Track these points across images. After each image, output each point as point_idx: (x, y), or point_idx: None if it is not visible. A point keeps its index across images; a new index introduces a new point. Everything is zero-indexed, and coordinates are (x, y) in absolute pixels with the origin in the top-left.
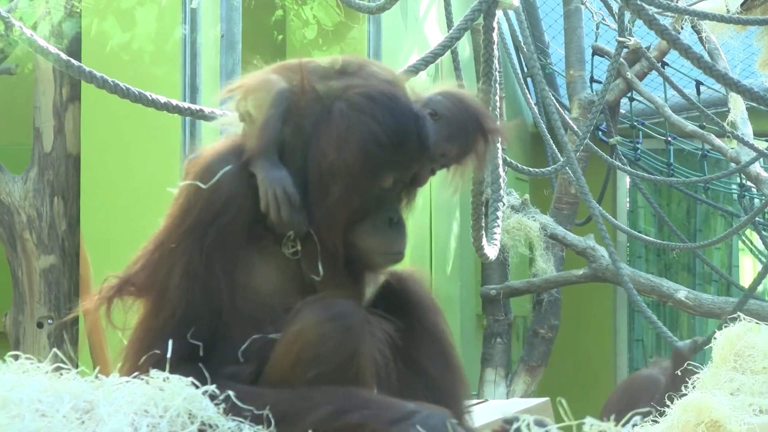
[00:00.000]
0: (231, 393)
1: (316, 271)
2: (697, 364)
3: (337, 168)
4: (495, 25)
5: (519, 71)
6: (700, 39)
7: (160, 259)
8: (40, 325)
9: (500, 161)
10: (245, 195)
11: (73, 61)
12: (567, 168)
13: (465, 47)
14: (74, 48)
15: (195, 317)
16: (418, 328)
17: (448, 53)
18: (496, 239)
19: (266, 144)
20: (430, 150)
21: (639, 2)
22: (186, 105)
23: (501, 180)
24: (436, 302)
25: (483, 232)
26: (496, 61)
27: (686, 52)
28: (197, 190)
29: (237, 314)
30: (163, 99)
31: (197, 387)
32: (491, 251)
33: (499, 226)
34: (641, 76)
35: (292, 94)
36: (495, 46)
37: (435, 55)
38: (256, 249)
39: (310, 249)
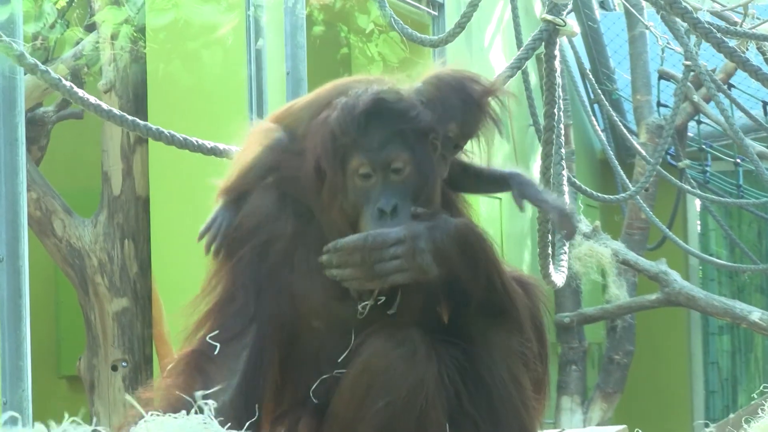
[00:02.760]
0: None
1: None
2: None
3: (315, 174)
4: (556, 53)
5: (585, 98)
6: (766, 60)
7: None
8: (114, 368)
9: (565, 188)
10: (277, 219)
11: (138, 120)
12: (637, 195)
13: (532, 75)
14: (140, 92)
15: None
16: (488, 351)
17: (518, 80)
18: (563, 266)
19: (236, 187)
20: (408, 124)
21: (708, 26)
22: None
23: None
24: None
25: (550, 259)
26: (559, 89)
27: (756, 74)
28: None
29: (297, 353)
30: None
31: None
32: (558, 278)
33: (566, 252)
34: (707, 99)
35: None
36: (557, 74)
37: None
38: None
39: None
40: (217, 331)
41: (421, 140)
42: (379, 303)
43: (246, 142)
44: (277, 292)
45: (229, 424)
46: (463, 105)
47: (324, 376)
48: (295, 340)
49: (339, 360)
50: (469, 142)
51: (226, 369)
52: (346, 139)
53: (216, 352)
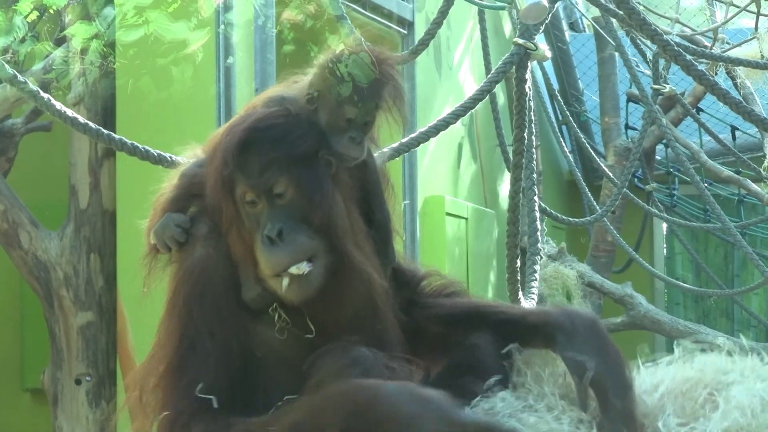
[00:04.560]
0: None
1: (309, 329)
2: None
3: (213, 203)
4: (527, 76)
5: (553, 119)
6: (735, 85)
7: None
8: (78, 382)
9: (537, 213)
10: (211, 257)
11: (102, 129)
12: (604, 218)
13: (500, 95)
14: (109, 106)
15: (199, 373)
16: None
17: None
18: (533, 293)
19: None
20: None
21: (677, 48)
22: None
23: (538, 233)
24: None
25: (519, 285)
26: (530, 113)
27: (724, 97)
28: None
29: (255, 382)
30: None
31: None
32: (528, 305)
33: (536, 279)
34: (676, 122)
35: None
36: (527, 98)
37: (466, 108)
38: (253, 319)
39: (294, 312)
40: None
41: (306, 161)
42: (283, 321)
43: (171, 177)
44: (222, 329)
45: None
46: (354, 84)
47: (279, 403)
48: (246, 370)
49: (293, 384)
50: (379, 115)
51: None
52: (227, 171)
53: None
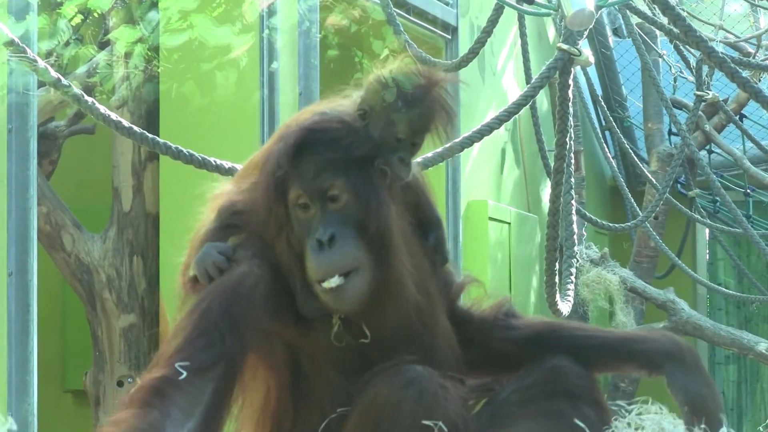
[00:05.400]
0: None
1: (364, 334)
2: None
3: (264, 209)
4: (570, 82)
5: (596, 125)
6: None
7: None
8: (120, 384)
9: (573, 217)
10: (254, 274)
11: (146, 133)
12: (646, 223)
13: (543, 101)
14: (152, 109)
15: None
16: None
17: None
18: (569, 295)
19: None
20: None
21: (722, 55)
22: None
23: (574, 236)
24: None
25: (556, 288)
26: (571, 118)
27: None
28: None
29: (305, 393)
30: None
31: None
32: (564, 307)
33: (572, 282)
34: (719, 129)
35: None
36: (570, 103)
37: (510, 113)
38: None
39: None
40: (186, 362)
41: (361, 167)
42: (339, 328)
43: (207, 212)
44: (256, 332)
45: None
46: (406, 104)
47: (331, 416)
48: (302, 381)
49: (346, 399)
50: (426, 137)
51: (192, 397)
52: (281, 172)
53: (182, 378)
